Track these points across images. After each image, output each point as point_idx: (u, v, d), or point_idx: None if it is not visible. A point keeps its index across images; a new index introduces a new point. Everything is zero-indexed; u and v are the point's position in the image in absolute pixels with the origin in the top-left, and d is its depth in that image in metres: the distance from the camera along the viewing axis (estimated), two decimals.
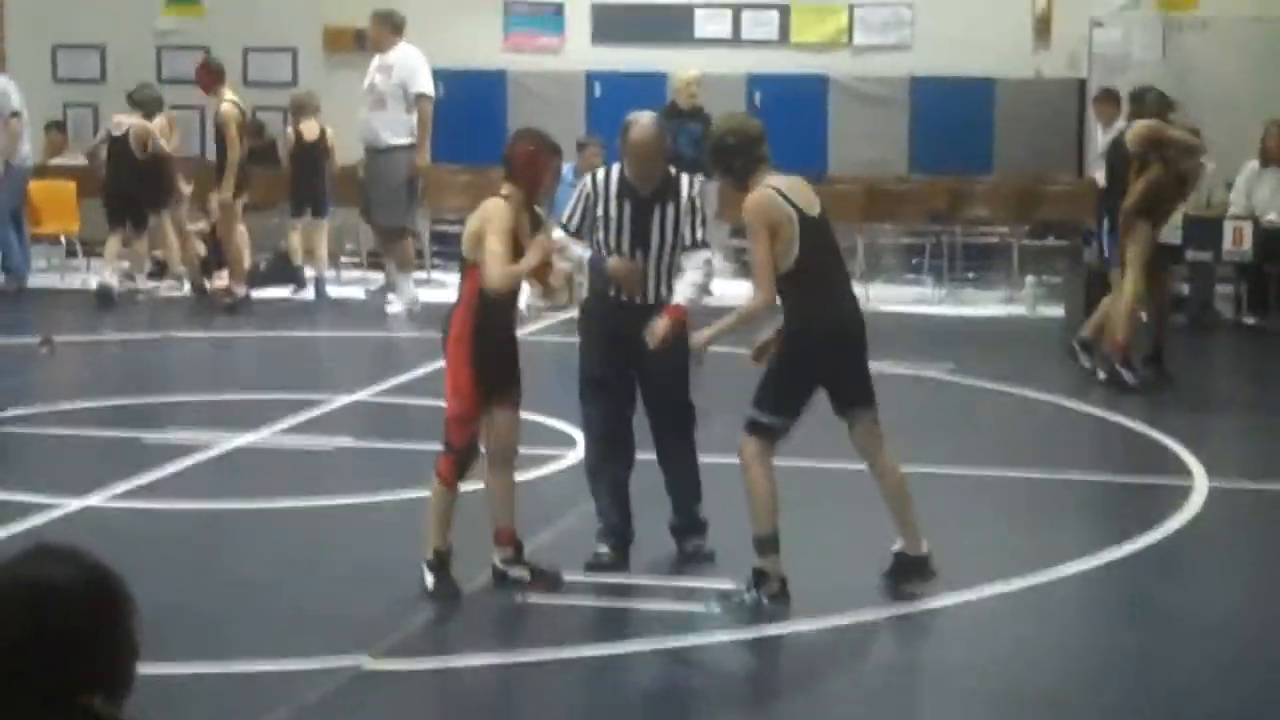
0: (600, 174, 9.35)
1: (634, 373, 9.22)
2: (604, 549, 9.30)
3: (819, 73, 20.99)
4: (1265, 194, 17.76)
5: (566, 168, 16.49)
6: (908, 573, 8.77)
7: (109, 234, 18.84)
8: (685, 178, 9.39)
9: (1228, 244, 17.20)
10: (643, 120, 9.27)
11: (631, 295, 9.13)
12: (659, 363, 8.93)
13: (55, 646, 3.01)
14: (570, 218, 9.28)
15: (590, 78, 21.25)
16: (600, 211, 9.18)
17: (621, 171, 9.25)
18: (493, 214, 8.57)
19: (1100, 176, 18.13)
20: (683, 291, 9.09)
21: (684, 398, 9.23)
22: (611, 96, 20.43)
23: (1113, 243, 14.44)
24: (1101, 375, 14.25)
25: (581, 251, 9.26)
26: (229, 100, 18.28)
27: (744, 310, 8.61)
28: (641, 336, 8.88)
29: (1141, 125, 14.29)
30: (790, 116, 20.74)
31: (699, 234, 9.23)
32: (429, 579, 8.66)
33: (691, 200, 9.23)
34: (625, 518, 9.36)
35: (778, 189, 8.53)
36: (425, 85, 18.07)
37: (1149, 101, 14.94)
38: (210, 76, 18.63)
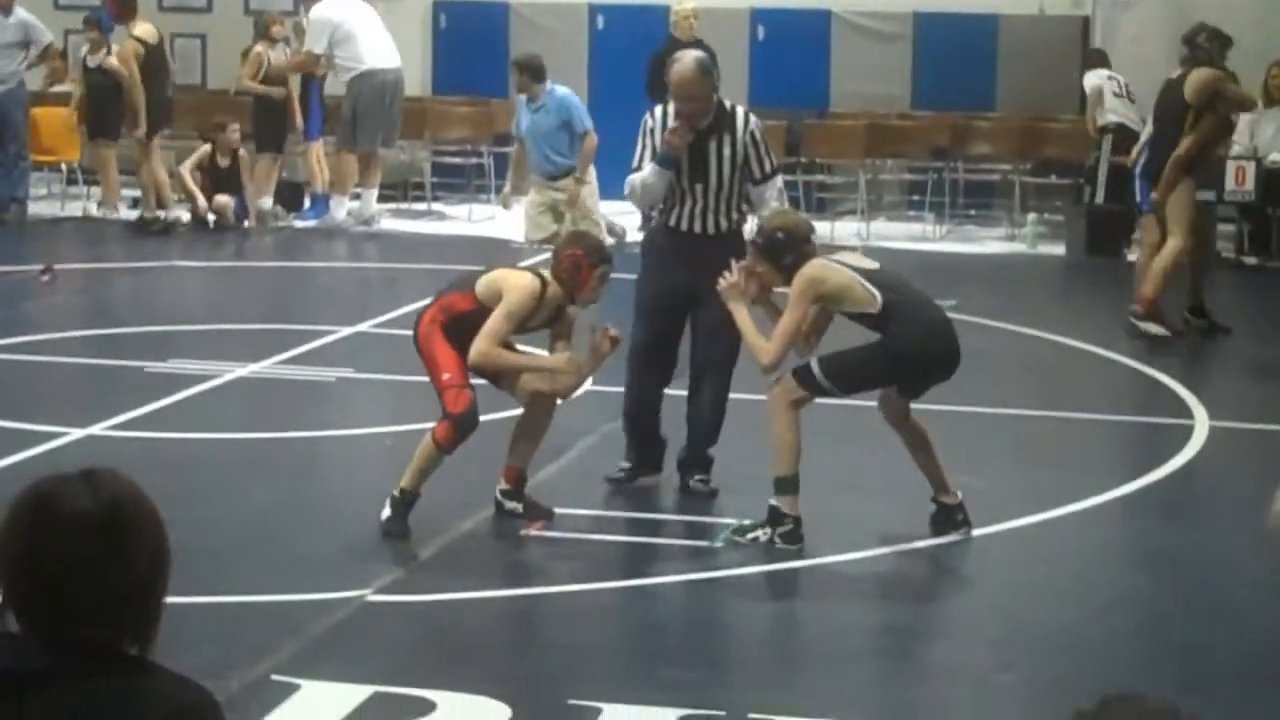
0: (660, 112, 9.37)
1: (689, 304, 9.35)
2: (626, 464, 9.60)
3: (822, 7, 20.87)
4: (1268, 134, 17.71)
5: (520, 98, 16.61)
6: (942, 520, 8.82)
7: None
8: (741, 111, 9.48)
9: (1230, 184, 17.14)
10: (684, 59, 9.38)
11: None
12: (716, 300, 8.88)
13: (46, 573, 3.00)
14: (640, 160, 9.36)
15: (593, 10, 21.13)
16: (660, 146, 9.27)
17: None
18: (517, 292, 8.61)
19: (1098, 116, 18.12)
20: None
21: (734, 338, 9.12)
22: (614, 29, 20.31)
23: (1145, 188, 14.24)
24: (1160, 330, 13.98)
25: (650, 176, 9.30)
26: (133, 35, 18.25)
27: (753, 349, 8.62)
28: (701, 269, 8.98)
29: (1206, 74, 13.96)
30: (793, 51, 20.70)
31: (767, 165, 9.40)
32: (386, 510, 8.66)
33: (751, 133, 9.32)
34: (653, 435, 9.58)
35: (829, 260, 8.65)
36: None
37: (1202, 45, 14.22)
38: (119, 7, 18.54)
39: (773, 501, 8.55)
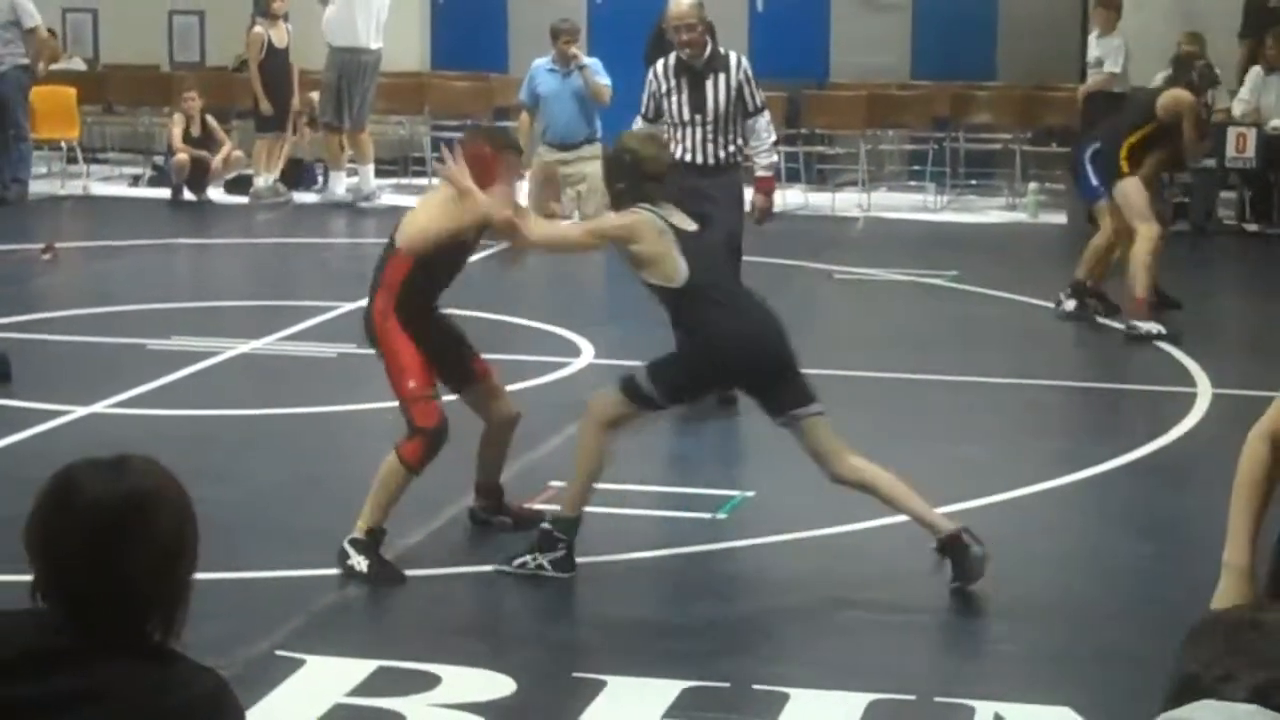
0: (660, 64, 10.70)
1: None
2: None
3: None
4: (1270, 100, 17.70)
5: (545, 59, 16.57)
6: (955, 558, 7.76)
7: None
8: (734, 55, 10.71)
9: (1231, 150, 17.15)
10: None
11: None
12: (714, 228, 9.77)
13: (60, 557, 3.05)
14: (646, 108, 10.70)
15: None
16: (664, 90, 10.60)
17: (676, 55, 10.59)
18: (428, 208, 8.08)
19: (1091, 82, 18.05)
20: (765, 163, 10.82)
21: (737, 254, 10.24)
22: (612, 2, 20.27)
23: (1098, 172, 13.66)
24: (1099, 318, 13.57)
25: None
26: None
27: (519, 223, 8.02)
28: (701, 200, 9.70)
29: (1186, 96, 13.07)
30: (793, 22, 20.68)
31: (759, 99, 10.67)
32: (360, 561, 7.79)
33: (744, 72, 10.58)
34: None
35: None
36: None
37: (1198, 73, 13.35)
38: None
39: (545, 526, 7.88)
